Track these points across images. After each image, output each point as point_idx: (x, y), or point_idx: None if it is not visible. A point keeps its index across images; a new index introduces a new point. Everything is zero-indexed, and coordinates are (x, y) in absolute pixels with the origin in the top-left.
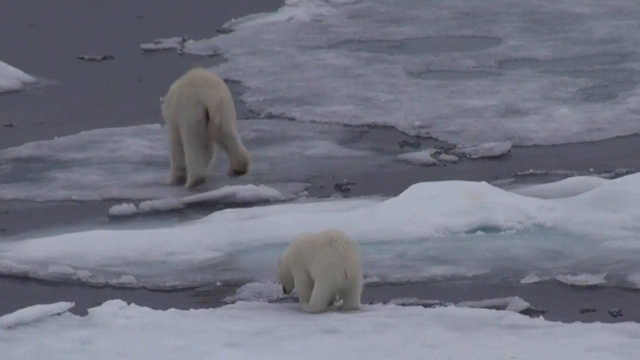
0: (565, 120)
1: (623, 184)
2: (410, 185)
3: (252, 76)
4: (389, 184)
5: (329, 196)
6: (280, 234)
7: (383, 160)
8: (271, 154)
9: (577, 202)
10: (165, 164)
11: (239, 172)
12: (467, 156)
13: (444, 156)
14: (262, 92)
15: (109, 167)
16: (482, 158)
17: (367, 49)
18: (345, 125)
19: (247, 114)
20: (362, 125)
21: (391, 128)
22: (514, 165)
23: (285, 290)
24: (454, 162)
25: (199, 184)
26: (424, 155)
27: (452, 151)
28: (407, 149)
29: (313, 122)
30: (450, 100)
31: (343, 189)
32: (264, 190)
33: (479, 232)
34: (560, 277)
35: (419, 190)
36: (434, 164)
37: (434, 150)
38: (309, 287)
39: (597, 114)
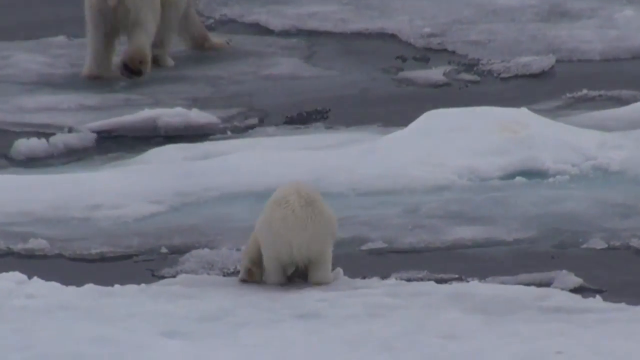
0: (630, 25)
1: None
2: (420, 113)
3: None
4: (389, 112)
5: (305, 126)
6: (245, 180)
7: (380, 80)
8: (216, 73)
9: None
10: (65, 84)
11: (130, 68)
12: (496, 74)
13: (463, 75)
14: None
15: None
16: (516, 77)
17: None
18: (327, 33)
19: None
20: (352, 34)
21: (391, 37)
22: (561, 87)
23: None
24: (477, 83)
25: (93, 79)
26: (435, 73)
27: (475, 68)
28: (412, 64)
29: (281, 32)
30: None
31: (320, 119)
32: (197, 115)
33: (518, 179)
34: (633, 242)
35: (433, 120)
36: (447, 85)
37: (449, 67)
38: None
39: None
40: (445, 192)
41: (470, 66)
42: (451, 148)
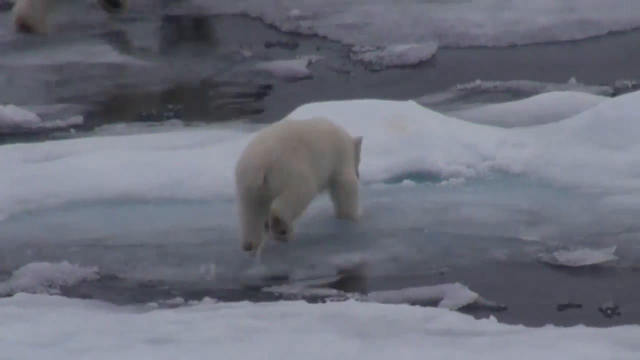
0: (527, 6)
1: (630, 105)
2: (285, 107)
3: None
4: (252, 107)
5: (159, 123)
6: (92, 185)
7: (239, 70)
8: (37, 62)
9: (558, 132)
10: None
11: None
12: (373, 63)
13: (336, 63)
14: None
15: None
16: (397, 66)
17: None
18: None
19: None
20: (205, 17)
21: (255, 20)
22: (450, 77)
23: None
24: (349, 73)
25: None
26: (300, 63)
27: (351, 56)
28: (276, 52)
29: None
30: None
31: (173, 115)
32: (13, 112)
33: (406, 182)
34: (540, 254)
35: (307, 116)
36: (313, 76)
37: (316, 56)
38: None
39: None
40: (323, 197)
41: (346, 53)
42: None
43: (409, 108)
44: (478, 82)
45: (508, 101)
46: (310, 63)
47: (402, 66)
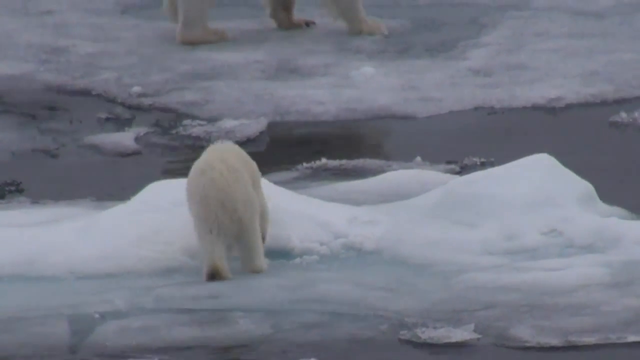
0: (369, 84)
1: (480, 184)
2: (121, 184)
3: None
4: (96, 184)
5: (4, 200)
6: None
7: (69, 144)
8: None
9: (410, 210)
10: None
11: None
12: (201, 138)
13: (164, 138)
14: None
15: None
16: (240, 142)
17: None
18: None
19: None
20: (51, 91)
21: (98, 97)
22: (295, 155)
23: None
24: (189, 147)
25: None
26: (128, 137)
27: (181, 130)
28: (108, 126)
29: None
30: (189, 53)
31: (16, 191)
32: None
33: None
34: (403, 332)
35: (158, 193)
36: (141, 152)
37: (145, 130)
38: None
39: (420, 75)
40: (177, 275)
41: (184, 128)
42: (181, 225)
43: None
44: (324, 160)
45: (355, 179)
46: (137, 137)
47: (244, 141)
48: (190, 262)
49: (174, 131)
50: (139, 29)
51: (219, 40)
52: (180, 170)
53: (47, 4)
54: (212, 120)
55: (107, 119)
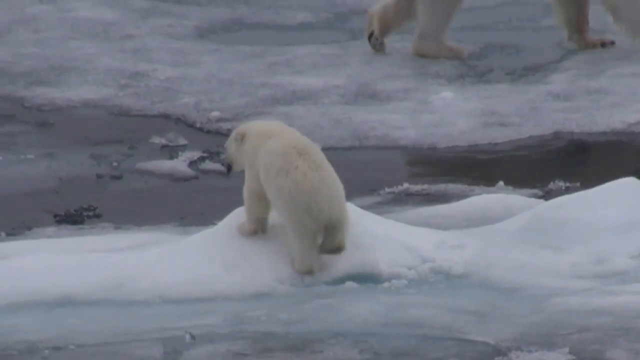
0: (448, 109)
1: (568, 208)
2: (213, 209)
3: None
4: (183, 209)
5: (90, 227)
6: (31, 288)
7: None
8: None
9: (497, 234)
10: None
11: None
12: None
13: None
14: None
15: None
16: None
17: None
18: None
19: None
20: (129, 116)
21: (177, 122)
22: (376, 179)
23: (227, 167)
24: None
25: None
26: (182, 163)
27: None
28: (182, 151)
29: (43, 110)
30: (269, 77)
31: (93, 216)
32: None
33: (349, 284)
34: (497, 358)
35: (240, 217)
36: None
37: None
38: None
39: (500, 99)
40: (266, 300)
41: None
42: (270, 250)
43: (349, 210)
44: (406, 185)
45: (438, 204)
46: (212, 161)
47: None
48: (280, 287)
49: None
50: (219, 53)
51: (454, 57)
52: None
53: (127, 29)
54: None
55: (181, 146)
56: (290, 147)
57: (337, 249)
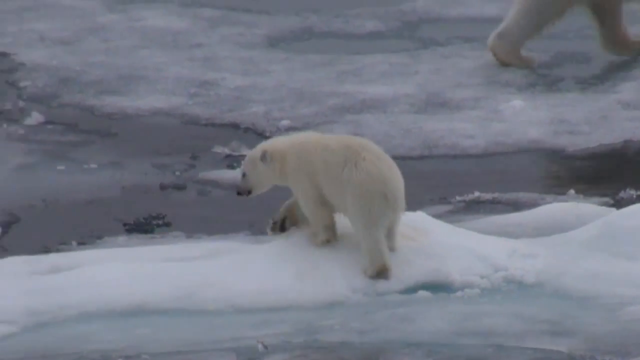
0: (518, 118)
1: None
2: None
3: (29, 46)
4: (256, 218)
5: (160, 236)
6: (106, 296)
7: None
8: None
9: (568, 243)
10: None
11: None
12: None
13: None
14: (42, 70)
15: None
16: None
17: (210, 3)
18: (163, 130)
19: (27, 105)
20: (197, 125)
21: (246, 130)
22: (447, 188)
23: (246, 192)
24: None
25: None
26: None
27: None
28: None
29: (113, 118)
30: (338, 86)
31: (163, 224)
32: None
33: (421, 293)
34: None
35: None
36: None
37: None
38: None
39: (570, 108)
40: (339, 309)
41: None
42: (341, 259)
43: (420, 219)
44: (477, 193)
45: (509, 212)
46: None
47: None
48: (353, 296)
49: None
50: (289, 62)
51: (524, 66)
52: None
53: (196, 38)
54: None
55: (244, 155)
56: (349, 142)
57: (391, 250)
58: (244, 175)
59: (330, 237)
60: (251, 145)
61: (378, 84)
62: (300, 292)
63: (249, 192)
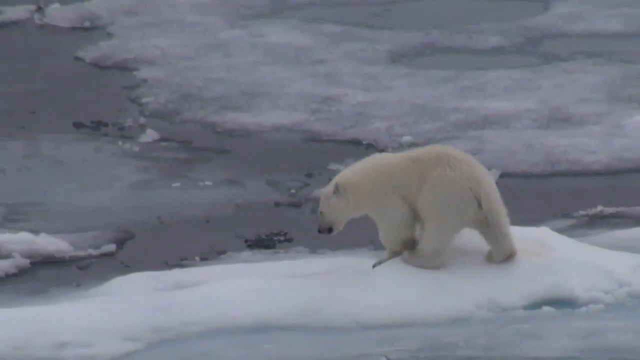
0: None
1: None
2: None
3: (151, 62)
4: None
5: (284, 251)
6: (229, 313)
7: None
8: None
9: None
10: None
11: None
12: None
13: None
14: (164, 86)
15: None
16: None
17: (333, 19)
18: (281, 147)
19: (148, 121)
20: (318, 142)
21: (368, 147)
22: (570, 203)
23: (327, 230)
24: None
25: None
26: None
27: None
28: None
29: (234, 135)
30: (461, 102)
31: (277, 240)
32: (46, 242)
33: (546, 309)
34: None
35: None
36: None
37: None
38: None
39: None
40: (464, 325)
41: None
42: (466, 274)
43: (544, 234)
44: (600, 208)
45: (633, 227)
46: None
47: (526, 191)
48: (477, 312)
49: None
50: (411, 78)
51: None
52: None
53: (318, 54)
54: (488, 166)
55: None
56: (436, 148)
57: (510, 256)
58: (321, 213)
59: (402, 249)
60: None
61: (500, 100)
62: (426, 308)
63: (330, 230)
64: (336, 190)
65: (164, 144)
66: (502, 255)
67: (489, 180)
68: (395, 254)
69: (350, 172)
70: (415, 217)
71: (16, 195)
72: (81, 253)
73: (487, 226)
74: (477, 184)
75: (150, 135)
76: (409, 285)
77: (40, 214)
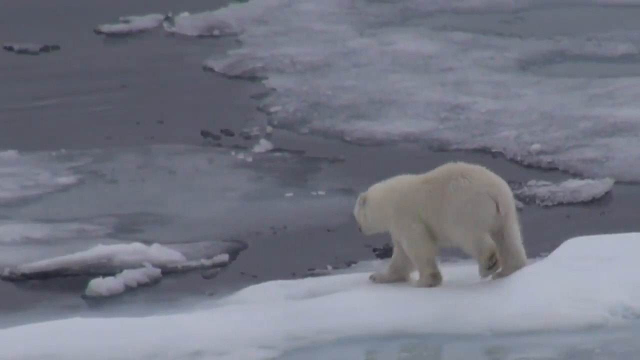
0: None
1: None
2: (541, 240)
3: (280, 71)
4: None
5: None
6: (363, 321)
7: None
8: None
9: None
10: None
11: None
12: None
13: (582, 194)
14: (293, 95)
15: None
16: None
17: (462, 27)
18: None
19: (276, 131)
20: (447, 150)
21: (496, 155)
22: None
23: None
24: (592, 203)
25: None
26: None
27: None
28: (519, 185)
29: (363, 144)
30: (590, 109)
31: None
32: (158, 252)
33: None
34: None
35: (577, 249)
36: (549, 206)
37: (560, 188)
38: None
39: None
40: (598, 332)
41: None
42: (601, 281)
43: None
44: None
45: None
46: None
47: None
48: (612, 318)
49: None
50: (540, 86)
51: None
52: (601, 226)
53: (447, 62)
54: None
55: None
56: (449, 166)
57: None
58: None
59: (434, 271)
60: (504, 170)
61: (630, 107)
62: (561, 315)
63: (361, 230)
64: (362, 201)
65: (277, 154)
66: (512, 268)
67: (505, 186)
68: (433, 275)
69: (379, 189)
70: (433, 237)
71: (129, 206)
72: (193, 263)
73: (502, 238)
74: (493, 187)
75: (263, 145)
76: (544, 291)
77: (153, 225)
